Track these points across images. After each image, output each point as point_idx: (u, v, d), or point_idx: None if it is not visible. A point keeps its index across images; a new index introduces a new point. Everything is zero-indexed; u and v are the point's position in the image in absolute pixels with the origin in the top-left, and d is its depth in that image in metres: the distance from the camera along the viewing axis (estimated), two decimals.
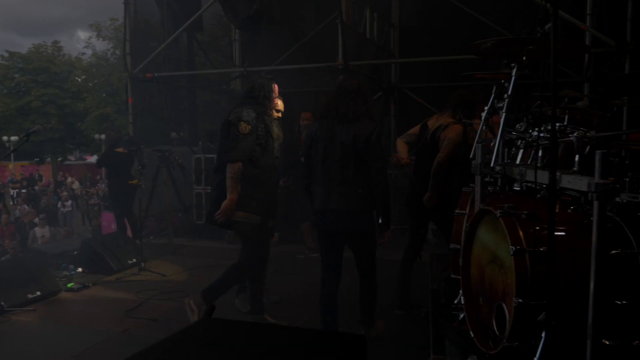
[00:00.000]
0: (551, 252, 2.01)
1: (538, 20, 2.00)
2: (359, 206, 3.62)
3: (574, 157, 2.60)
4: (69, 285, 5.48)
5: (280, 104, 4.66)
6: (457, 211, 3.55)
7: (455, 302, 3.32)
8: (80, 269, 6.12)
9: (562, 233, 2.62)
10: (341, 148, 3.63)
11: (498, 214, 2.59)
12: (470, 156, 3.41)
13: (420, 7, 8.46)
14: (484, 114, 3.29)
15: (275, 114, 4.44)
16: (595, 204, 2.01)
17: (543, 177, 2.42)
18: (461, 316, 3.06)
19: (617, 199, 2.69)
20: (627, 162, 3.21)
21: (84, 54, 30.57)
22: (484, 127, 3.27)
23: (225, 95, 9.38)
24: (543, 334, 2.37)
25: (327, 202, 3.64)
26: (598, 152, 2.01)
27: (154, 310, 4.76)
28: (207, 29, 12.86)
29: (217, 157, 4.22)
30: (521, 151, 3.02)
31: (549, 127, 2.77)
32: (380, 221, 3.65)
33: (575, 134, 2.34)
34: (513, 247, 2.43)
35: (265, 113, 4.09)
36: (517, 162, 3.00)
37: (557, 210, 3.06)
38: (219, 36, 13.94)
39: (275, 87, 4.24)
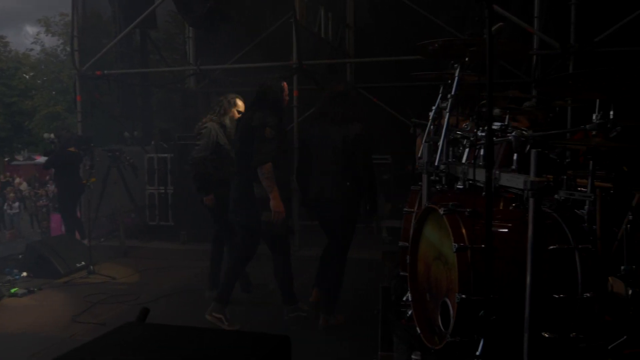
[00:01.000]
0: (489, 248, 2.06)
1: (485, 22, 2.03)
2: (346, 196, 4.13)
3: (521, 155, 2.67)
4: (13, 290, 5.28)
5: (240, 104, 4.72)
6: (405, 209, 3.60)
7: (405, 299, 3.36)
8: (25, 274, 5.90)
9: (504, 230, 2.70)
10: (332, 146, 4.13)
11: (442, 212, 2.64)
12: (418, 155, 3.46)
13: (375, 7, 8.54)
14: (431, 114, 3.35)
15: (237, 115, 4.67)
16: (531, 201, 2.07)
17: (483, 175, 2.48)
18: (409, 313, 3.10)
19: (556, 196, 2.80)
20: (567, 160, 3.33)
21: (32, 50, 29.41)
22: (431, 127, 3.33)
23: (179, 93, 9.24)
24: (485, 329, 2.43)
25: (321, 193, 4.16)
26: (533, 151, 2.08)
27: (102, 315, 4.63)
28: (161, 26, 12.61)
29: (236, 160, 4.39)
30: (467, 150, 3.09)
31: (494, 126, 2.86)
32: (368, 208, 4.27)
33: (513, 134, 2.40)
34: (456, 244, 2.48)
35: (279, 115, 4.30)
36: (463, 161, 3.07)
37: (500, 208, 3.16)
38: (174, 33, 13.72)
39: (285, 86, 4.44)
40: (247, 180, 4.16)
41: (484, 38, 3.10)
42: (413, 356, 2.53)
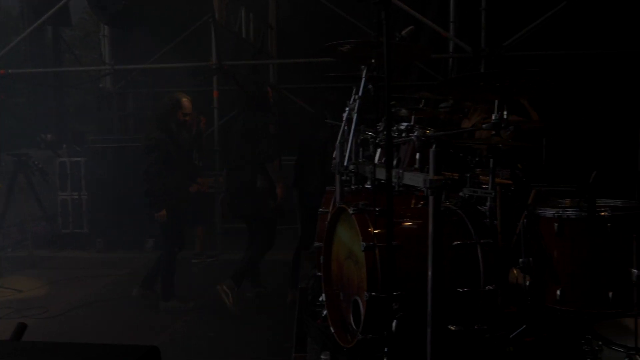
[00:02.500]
0: (390, 246, 2.09)
1: (382, 24, 2.06)
2: None
3: (424, 154, 2.75)
4: None
5: (186, 105, 4.64)
6: (321, 210, 3.62)
7: (320, 299, 3.37)
8: None
9: (412, 227, 2.77)
10: (319, 150, 4.53)
11: (351, 211, 2.66)
12: (333, 156, 3.48)
13: (297, 8, 8.55)
14: (344, 115, 3.37)
15: (182, 117, 4.60)
16: (430, 198, 2.13)
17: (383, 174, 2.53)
18: (324, 313, 3.11)
19: (461, 194, 2.90)
20: (476, 159, 3.46)
21: None
22: (345, 127, 3.36)
23: (94, 94, 8.83)
24: (393, 325, 2.48)
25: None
26: (432, 150, 2.13)
27: (6, 331, 4.30)
28: (77, 23, 12.01)
29: (235, 158, 4.78)
30: (379, 150, 3.14)
31: (401, 127, 2.93)
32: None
33: (415, 134, 2.46)
34: (364, 243, 2.51)
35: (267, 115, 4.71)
36: (376, 161, 3.12)
37: (411, 206, 3.24)
38: (91, 32, 13.13)
39: (269, 90, 4.90)
40: (250, 175, 4.56)
41: (395, 40, 3.23)
42: (322, 356, 2.54)
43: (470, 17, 7.14)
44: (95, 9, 7.24)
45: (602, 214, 2.40)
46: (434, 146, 2.69)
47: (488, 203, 2.70)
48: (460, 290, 2.59)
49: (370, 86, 3.13)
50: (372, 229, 2.58)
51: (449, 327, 2.59)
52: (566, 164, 4.28)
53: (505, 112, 2.44)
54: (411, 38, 3.24)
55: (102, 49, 8.75)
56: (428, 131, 2.78)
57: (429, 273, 2.17)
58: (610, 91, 6.57)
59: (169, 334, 4.11)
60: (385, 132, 2.85)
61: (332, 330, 2.85)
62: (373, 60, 2.85)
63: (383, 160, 3.10)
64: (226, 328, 4.19)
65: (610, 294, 2.42)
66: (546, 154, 4.16)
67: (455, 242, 2.63)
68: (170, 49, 7.55)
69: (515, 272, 2.79)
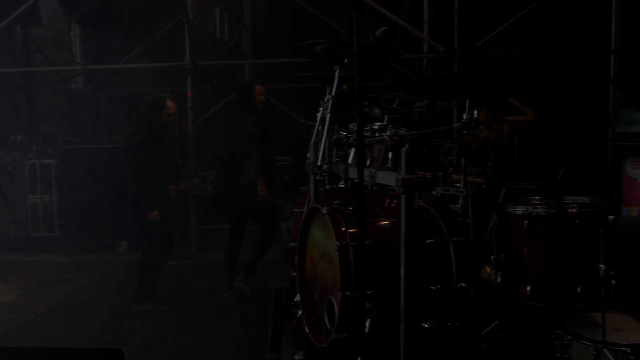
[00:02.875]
0: (362, 245, 2.10)
1: (352, 24, 2.07)
2: None
3: (396, 154, 2.77)
4: None
5: (170, 105, 4.60)
6: (295, 210, 3.61)
7: (296, 299, 3.37)
8: None
9: (385, 226, 2.78)
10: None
11: (325, 211, 2.67)
12: (308, 155, 3.48)
13: (272, 8, 8.52)
14: (318, 114, 3.38)
15: (167, 118, 4.56)
16: (402, 197, 2.14)
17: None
18: (299, 313, 3.11)
19: (434, 192, 2.93)
20: (449, 158, 3.50)
21: None
22: (319, 127, 3.36)
23: (65, 95, 8.66)
24: (367, 324, 2.49)
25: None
26: (404, 149, 2.14)
27: None
28: (48, 23, 11.76)
29: (222, 155, 4.99)
30: (352, 150, 3.15)
31: (374, 126, 2.94)
32: None
33: (387, 133, 2.48)
34: (337, 243, 2.52)
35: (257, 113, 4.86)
36: (350, 161, 3.13)
37: (385, 205, 3.26)
38: (62, 31, 12.87)
39: (257, 89, 4.92)
40: (233, 172, 4.75)
41: (368, 40, 3.24)
42: (296, 356, 2.54)
43: (444, 17, 7.22)
44: (65, 8, 7.10)
45: (570, 210, 2.45)
46: (406, 145, 2.74)
47: (460, 201, 2.74)
48: (434, 287, 2.63)
49: (344, 86, 3.14)
50: (346, 229, 2.59)
51: (423, 324, 2.62)
52: (537, 162, 4.35)
53: (475, 112, 2.46)
54: (385, 38, 3.26)
55: (73, 49, 8.59)
56: (401, 131, 2.81)
57: (402, 271, 2.19)
58: (580, 91, 6.70)
59: (143, 338, 4.05)
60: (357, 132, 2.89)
61: (307, 330, 2.86)
62: (346, 60, 2.85)
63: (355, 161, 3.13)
64: (201, 330, 4.15)
65: (579, 289, 2.47)
66: (517, 152, 4.23)
67: (428, 241, 2.67)
68: (143, 49, 7.45)
69: (487, 269, 2.83)
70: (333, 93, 2.83)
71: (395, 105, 3.74)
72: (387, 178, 2.35)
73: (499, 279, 2.66)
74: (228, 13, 8.11)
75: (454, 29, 6.83)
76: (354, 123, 3.30)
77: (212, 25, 7.74)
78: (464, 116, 2.66)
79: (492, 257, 2.67)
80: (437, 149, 3.12)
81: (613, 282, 2.39)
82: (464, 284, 2.66)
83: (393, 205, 3.09)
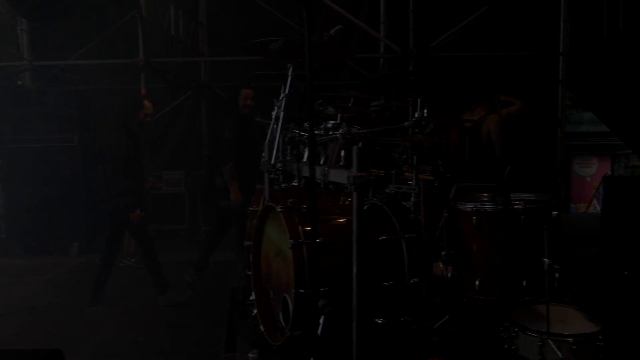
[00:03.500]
0: (314, 243, 2.11)
1: (304, 23, 2.07)
2: None
3: (349, 152, 2.79)
4: None
5: (147, 105, 4.62)
6: (251, 208, 3.60)
7: (251, 298, 3.35)
8: None
9: (340, 224, 2.81)
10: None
11: (279, 209, 2.67)
12: (263, 154, 3.46)
13: (228, 5, 8.43)
14: (273, 113, 3.37)
15: (144, 117, 4.58)
16: (354, 195, 2.17)
17: (316, 172, 2.55)
18: (255, 312, 3.10)
19: (387, 190, 2.98)
20: (404, 156, 3.55)
21: None
22: (274, 126, 3.36)
23: (11, 91, 8.32)
24: (321, 321, 2.50)
25: None
26: (355, 147, 2.17)
27: None
28: None
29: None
30: (307, 148, 3.16)
31: (328, 125, 2.96)
32: None
33: (339, 131, 2.50)
34: (291, 241, 2.53)
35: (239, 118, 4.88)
36: (305, 159, 3.13)
37: (340, 203, 3.29)
38: (8, 25, 12.37)
39: (243, 93, 4.92)
40: (209, 175, 5.06)
41: (323, 39, 3.26)
42: (250, 355, 2.53)
43: (400, 18, 7.33)
44: (11, 1, 6.86)
45: (516, 207, 2.54)
46: (360, 144, 2.77)
47: (412, 199, 2.78)
48: (386, 284, 2.67)
49: (300, 85, 3.15)
50: (300, 227, 2.59)
51: (376, 320, 2.66)
52: (488, 160, 4.48)
53: (425, 110, 2.51)
54: (340, 37, 3.28)
55: (20, 44, 8.27)
56: (354, 129, 2.83)
57: (354, 268, 2.21)
58: (530, 92, 6.93)
59: (96, 341, 3.95)
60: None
61: (262, 329, 2.85)
62: (299, 59, 2.86)
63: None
64: (155, 332, 4.09)
65: (524, 282, 2.56)
66: (469, 150, 4.34)
67: (381, 237, 2.70)
68: (95, 45, 7.24)
69: (440, 265, 2.90)
70: (286, 91, 2.83)
71: (350, 104, 3.77)
72: (339, 176, 2.37)
73: (449, 275, 2.73)
74: (183, 10, 7.98)
75: (410, 30, 6.96)
76: (307, 122, 3.33)
77: (167, 22, 7.60)
78: (416, 115, 2.72)
79: (443, 253, 2.74)
80: (391, 147, 3.17)
81: (557, 275, 2.48)
82: (416, 280, 2.70)
83: (347, 203, 3.11)
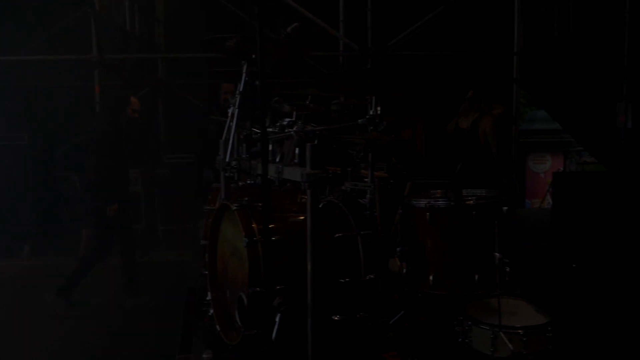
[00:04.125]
0: (268, 240, 2.10)
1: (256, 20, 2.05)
2: None
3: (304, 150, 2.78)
4: None
5: (134, 101, 4.63)
6: (207, 207, 3.56)
7: (208, 298, 3.31)
8: None
9: (295, 222, 2.80)
10: None
11: (234, 208, 2.64)
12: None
13: (187, 1, 8.31)
14: (230, 110, 3.33)
15: (132, 114, 4.59)
16: (308, 192, 2.16)
17: (271, 170, 2.54)
18: (211, 312, 3.06)
19: (343, 187, 2.99)
20: (361, 154, 3.56)
21: None
22: (230, 124, 3.31)
23: None
24: (277, 319, 2.49)
25: None
26: (309, 145, 2.16)
27: None
28: None
29: None
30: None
31: (284, 122, 2.95)
32: None
33: (294, 129, 2.49)
34: (246, 239, 2.50)
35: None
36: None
37: (298, 201, 3.28)
38: None
39: (224, 87, 4.95)
40: (198, 170, 5.16)
41: (280, 36, 3.24)
42: (204, 355, 2.50)
43: (359, 17, 7.37)
44: None
45: (468, 203, 2.59)
46: (315, 141, 2.77)
47: (368, 196, 2.81)
48: (342, 280, 2.68)
49: (257, 82, 3.12)
50: (255, 225, 2.57)
51: (333, 317, 2.66)
52: (443, 157, 4.55)
53: (379, 108, 2.53)
54: (297, 35, 3.27)
55: None
56: (309, 127, 2.83)
57: (308, 266, 2.21)
58: (485, 90, 7.08)
59: (49, 344, 3.84)
60: (267, 127, 2.88)
61: (218, 329, 2.82)
62: (254, 56, 2.84)
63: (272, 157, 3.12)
64: (111, 334, 4.00)
65: (476, 276, 2.61)
66: (426, 148, 4.40)
67: (337, 235, 2.71)
68: (45, 40, 7.00)
69: (396, 261, 2.93)
70: (241, 89, 2.80)
71: (308, 102, 3.77)
72: (293, 174, 2.37)
73: (404, 270, 2.76)
74: (139, 5, 7.81)
75: (368, 29, 7.01)
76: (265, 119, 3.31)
77: (122, 17, 7.43)
78: (371, 112, 2.74)
79: (398, 249, 2.77)
80: (348, 145, 3.18)
81: (507, 269, 2.55)
82: (372, 276, 2.72)
83: (304, 201, 3.10)
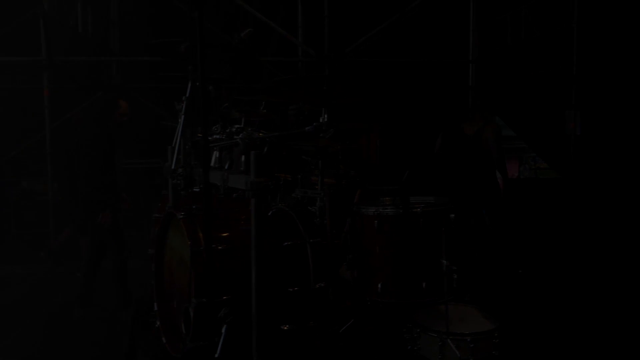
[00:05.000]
0: (210, 249, 2.05)
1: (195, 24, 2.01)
2: None
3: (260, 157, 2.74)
4: None
5: (123, 106, 4.53)
6: (155, 215, 3.47)
7: (155, 308, 3.22)
8: None
9: (243, 230, 2.74)
10: None
11: (179, 216, 2.58)
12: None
13: (141, 3, 8.14)
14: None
15: (120, 118, 4.49)
16: (252, 200, 2.13)
17: (216, 177, 2.50)
18: (158, 323, 2.98)
19: (294, 195, 2.96)
20: (315, 161, 3.54)
21: None
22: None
23: None
24: (223, 330, 2.44)
25: None
26: (252, 152, 2.13)
27: None
28: None
29: None
30: (215, 153, 3.07)
31: (233, 129, 2.90)
32: None
33: (240, 136, 2.45)
34: (192, 248, 2.45)
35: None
36: (211, 163, 3.05)
37: (248, 209, 3.23)
38: None
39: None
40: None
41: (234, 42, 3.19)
42: None
43: (317, 23, 7.38)
44: None
45: (415, 210, 2.60)
46: (265, 148, 2.73)
47: (318, 203, 2.78)
48: (291, 289, 2.64)
49: (210, 87, 3.07)
50: (201, 234, 2.52)
51: (282, 326, 2.63)
52: (399, 164, 4.58)
53: (326, 116, 2.52)
54: (250, 40, 3.23)
55: None
56: (260, 134, 2.79)
57: (253, 275, 2.17)
58: (440, 97, 7.19)
59: None
60: (216, 134, 2.84)
61: (164, 341, 2.74)
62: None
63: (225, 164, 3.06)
64: (55, 345, 3.84)
65: (424, 284, 2.62)
66: (380, 154, 4.41)
67: (286, 243, 2.68)
68: None
69: (346, 269, 2.91)
70: (187, 95, 2.74)
71: (262, 108, 3.73)
72: (238, 181, 2.33)
73: (353, 278, 2.74)
74: (92, 7, 7.61)
75: (325, 35, 7.02)
76: (216, 126, 3.26)
77: (74, 19, 7.22)
78: (320, 120, 2.72)
79: (347, 257, 2.75)
80: (301, 152, 3.15)
81: (455, 276, 2.56)
82: (322, 284, 2.70)
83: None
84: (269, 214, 2.80)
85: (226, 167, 2.78)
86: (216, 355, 2.39)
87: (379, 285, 2.62)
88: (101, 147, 4.36)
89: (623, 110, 6.27)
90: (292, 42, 7.18)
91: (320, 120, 2.66)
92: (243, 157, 2.41)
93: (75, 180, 4.54)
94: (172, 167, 2.65)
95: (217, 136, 2.84)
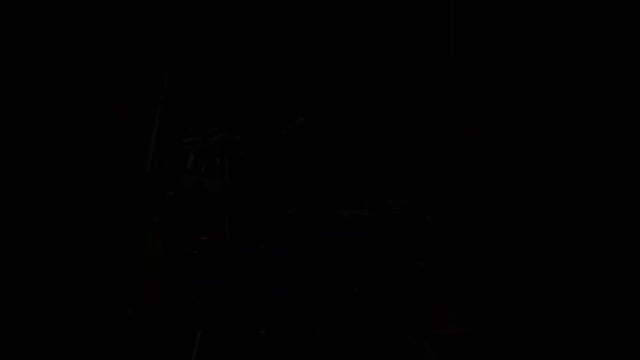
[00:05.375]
0: (184, 254, 2.03)
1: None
2: None
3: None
4: None
5: (123, 110, 4.60)
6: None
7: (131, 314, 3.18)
8: None
9: (218, 234, 2.73)
10: None
11: (155, 220, 2.56)
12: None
13: (121, 4, 8.05)
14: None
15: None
16: (226, 204, 2.11)
17: (191, 180, 2.48)
18: (133, 329, 2.94)
19: (271, 198, 2.95)
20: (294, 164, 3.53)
21: None
22: None
23: None
24: (198, 335, 2.43)
25: None
26: (227, 155, 2.11)
27: None
28: None
29: None
30: (191, 155, 3.05)
31: (209, 131, 2.88)
32: None
33: (215, 139, 2.44)
34: (167, 253, 2.43)
35: None
36: (188, 166, 3.02)
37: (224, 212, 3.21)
38: None
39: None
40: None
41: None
42: None
43: (298, 24, 7.36)
44: None
45: (392, 212, 2.60)
46: (241, 151, 2.71)
47: (295, 206, 2.77)
48: (268, 293, 2.63)
49: (192, 88, 3.07)
50: (177, 238, 2.50)
51: (259, 331, 2.61)
52: (375, 166, 4.59)
53: (302, 119, 2.51)
54: (227, 42, 3.22)
55: None
56: (238, 137, 2.77)
57: (226, 279, 2.15)
58: (421, 101, 7.21)
59: None
60: (192, 137, 2.82)
61: (139, 346, 2.72)
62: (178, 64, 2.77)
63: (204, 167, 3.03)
64: (29, 351, 3.76)
65: (401, 286, 2.63)
66: (359, 156, 4.42)
67: (263, 247, 2.67)
68: None
69: (324, 272, 2.91)
70: (162, 97, 2.72)
71: (242, 109, 3.71)
72: (213, 184, 2.31)
73: (331, 281, 2.74)
74: (70, 7, 7.50)
75: (305, 37, 7.00)
76: (192, 128, 3.23)
77: (50, 20, 7.10)
78: (298, 122, 2.71)
79: (324, 261, 2.75)
80: (280, 154, 3.14)
81: (432, 278, 2.57)
82: (299, 288, 2.70)
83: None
84: (245, 217, 2.79)
85: (202, 170, 2.76)
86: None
87: (356, 288, 2.62)
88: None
89: (601, 113, 6.36)
90: (273, 43, 7.16)
91: (297, 122, 2.65)
92: (218, 160, 2.40)
93: None
94: (147, 170, 2.62)
95: (193, 138, 2.81)
